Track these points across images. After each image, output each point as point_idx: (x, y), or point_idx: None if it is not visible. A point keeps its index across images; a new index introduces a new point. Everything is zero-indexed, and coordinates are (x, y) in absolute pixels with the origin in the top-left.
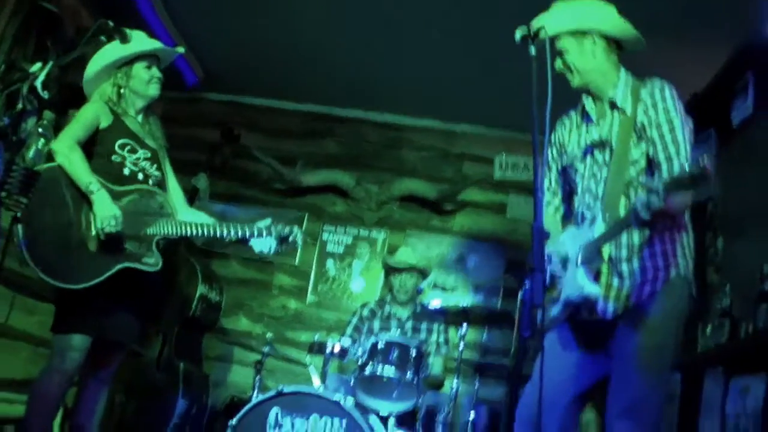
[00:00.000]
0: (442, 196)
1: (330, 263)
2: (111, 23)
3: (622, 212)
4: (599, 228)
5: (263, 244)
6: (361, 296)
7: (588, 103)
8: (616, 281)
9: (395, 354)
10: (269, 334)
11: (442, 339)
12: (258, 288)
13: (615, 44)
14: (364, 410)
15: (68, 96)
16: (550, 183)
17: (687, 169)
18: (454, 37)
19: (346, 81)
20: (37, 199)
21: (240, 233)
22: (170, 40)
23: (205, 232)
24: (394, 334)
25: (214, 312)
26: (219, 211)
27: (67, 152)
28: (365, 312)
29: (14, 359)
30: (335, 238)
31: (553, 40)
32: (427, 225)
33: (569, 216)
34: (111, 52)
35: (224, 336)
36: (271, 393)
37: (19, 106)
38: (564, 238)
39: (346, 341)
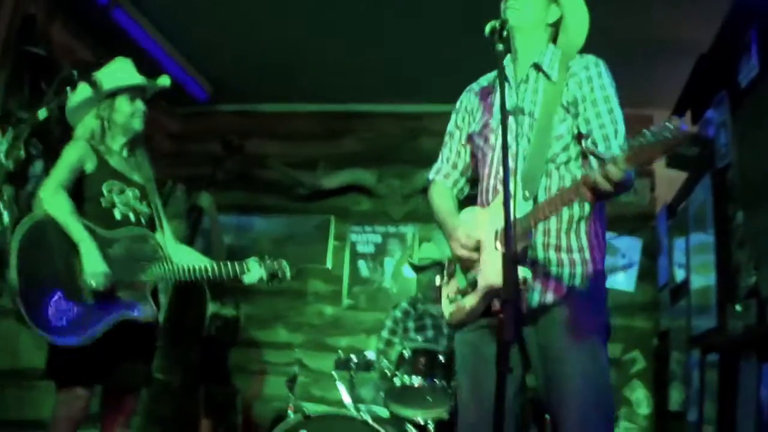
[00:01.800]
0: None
1: (362, 264)
2: (75, 73)
3: (541, 192)
4: (521, 206)
5: (253, 277)
6: (397, 294)
7: (509, 67)
8: (542, 269)
9: (423, 361)
10: (297, 352)
11: None
12: (293, 297)
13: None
14: (400, 420)
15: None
16: (450, 153)
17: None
18: (466, 16)
19: (357, 75)
20: (29, 249)
21: (231, 273)
22: (170, 61)
23: (197, 275)
24: (428, 334)
25: (232, 327)
26: (233, 226)
27: (52, 200)
28: (398, 313)
29: None
30: (364, 238)
31: None
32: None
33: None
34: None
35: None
36: (298, 418)
37: (22, 153)
38: (472, 217)
39: (370, 354)
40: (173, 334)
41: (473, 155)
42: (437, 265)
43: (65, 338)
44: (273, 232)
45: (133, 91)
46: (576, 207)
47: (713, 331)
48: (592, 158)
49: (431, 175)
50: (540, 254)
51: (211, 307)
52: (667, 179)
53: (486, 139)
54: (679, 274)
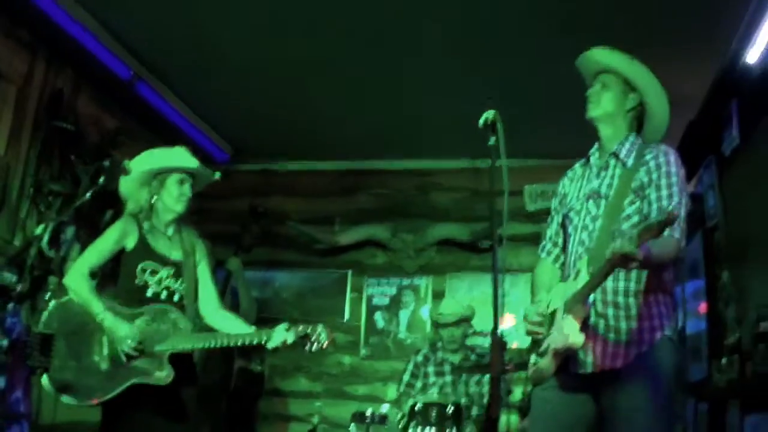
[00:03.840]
0: (478, 235)
1: (378, 315)
2: (107, 164)
3: None
4: (583, 279)
5: (275, 342)
6: (411, 344)
7: (594, 154)
8: (601, 335)
9: (434, 414)
10: (318, 404)
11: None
12: None
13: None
14: None
15: (104, 200)
16: (551, 232)
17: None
18: (471, 74)
19: (370, 134)
20: (66, 330)
21: (255, 341)
22: (191, 126)
23: (218, 344)
24: (447, 379)
25: (258, 381)
26: (256, 280)
27: (75, 287)
28: (419, 358)
29: None
30: (380, 290)
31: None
32: (467, 265)
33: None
34: (150, 159)
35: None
36: None
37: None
38: (554, 292)
39: (385, 407)
40: (202, 388)
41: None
42: (460, 321)
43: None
44: (294, 286)
45: (185, 175)
46: (633, 278)
47: (703, 381)
48: None
49: (540, 252)
50: (600, 323)
51: (238, 362)
52: None
53: (570, 221)
54: (679, 320)
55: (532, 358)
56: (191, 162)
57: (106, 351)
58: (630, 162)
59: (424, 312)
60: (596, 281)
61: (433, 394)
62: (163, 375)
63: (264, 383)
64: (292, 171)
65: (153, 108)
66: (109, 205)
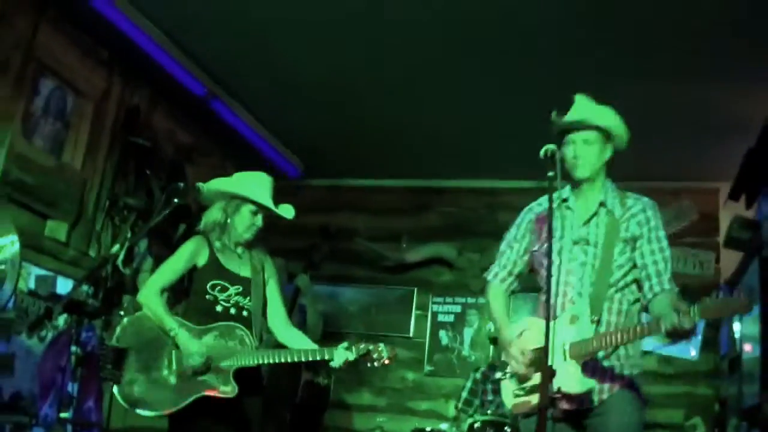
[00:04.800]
0: None
1: (442, 333)
2: (182, 185)
3: (605, 314)
4: (586, 329)
5: (338, 362)
6: (475, 362)
7: (572, 199)
8: (600, 376)
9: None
10: (379, 419)
11: None
12: None
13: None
14: None
15: (177, 214)
16: (508, 262)
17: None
18: (541, 98)
19: (439, 152)
20: (139, 344)
21: (318, 358)
22: (263, 143)
23: (280, 360)
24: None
25: (323, 394)
26: (324, 294)
27: (148, 302)
28: (478, 375)
29: None
30: (445, 309)
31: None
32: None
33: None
34: (234, 183)
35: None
36: None
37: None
38: (532, 327)
39: (444, 426)
40: (269, 398)
41: (532, 267)
42: None
43: (147, 411)
44: (361, 301)
45: (260, 207)
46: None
47: (755, 407)
48: (646, 282)
49: (489, 276)
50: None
51: (305, 375)
52: (730, 253)
53: (550, 262)
54: (737, 345)
55: (514, 390)
56: (266, 199)
57: (175, 366)
58: (617, 212)
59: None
60: (618, 342)
61: (494, 410)
62: (228, 389)
63: (329, 396)
64: (361, 187)
65: (226, 124)
66: (182, 219)
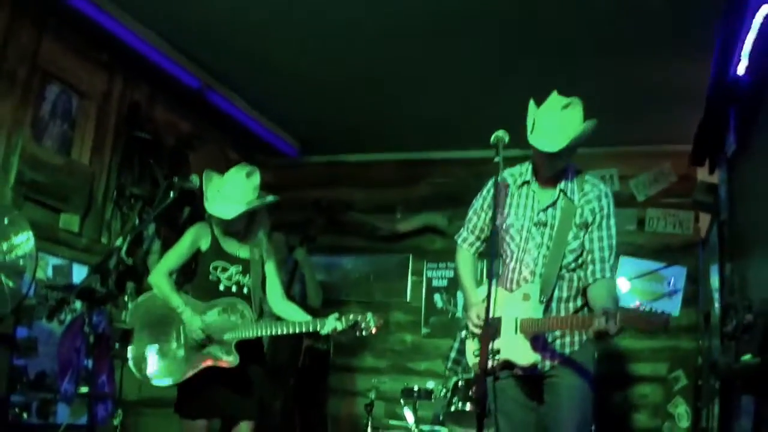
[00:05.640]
0: None
1: (437, 297)
2: (176, 179)
3: (556, 291)
4: (535, 308)
5: (327, 329)
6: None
7: (534, 184)
8: (550, 347)
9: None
10: (374, 380)
11: None
12: None
13: None
14: None
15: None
16: (475, 228)
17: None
18: (529, 72)
19: (430, 126)
20: (140, 321)
21: (310, 328)
22: (260, 126)
23: (277, 331)
24: None
25: (323, 359)
26: (325, 265)
27: (157, 282)
28: (463, 334)
29: None
30: (438, 274)
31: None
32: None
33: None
34: (208, 183)
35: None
36: None
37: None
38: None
39: (431, 384)
40: (273, 366)
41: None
42: None
43: (159, 380)
44: (359, 270)
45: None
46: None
47: (715, 362)
48: (590, 266)
49: (459, 240)
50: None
51: (306, 342)
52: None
53: (511, 237)
54: (709, 301)
55: (474, 350)
56: (226, 212)
57: (183, 339)
58: (575, 198)
59: None
60: (559, 326)
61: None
62: (231, 359)
63: (330, 360)
64: (356, 162)
65: (223, 112)
66: (187, 203)
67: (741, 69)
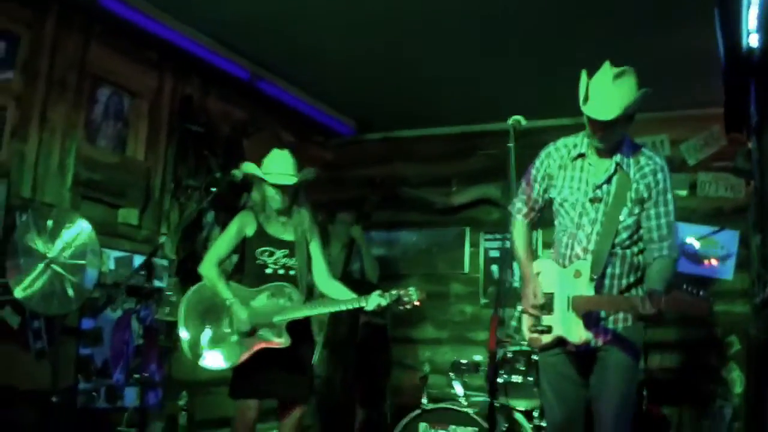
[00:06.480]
0: None
1: (494, 267)
2: (221, 175)
3: (609, 268)
4: (587, 285)
5: (371, 306)
6: None
7: (592, 157)
8: (602, 324)
9: (522, 361)
10: (427, 353)
11: None
12: (438, 299)
13: None
14: (507, 409)
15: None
16: (529, 199)
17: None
18: (573, 36)
19: (482, 98)
20: (193, 306)
21: (355, 306)
22: (315, 110)
23: (323, 311)
24: None
25: (381, 332)
26: (384, 240)
27: (207, 274)
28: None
29: None
30: (495, 244)
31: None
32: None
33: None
34: (254, 168)
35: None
36: (417, 412)
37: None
38: (547, 270)
39: (477, 357)
40: (333, 341)
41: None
42: None
43: (215, 365)
44: (417, 243)
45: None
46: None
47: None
48: (649, 244)
49: (513, 210)
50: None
51: (363, 318)
52: None
53: (566, 211)
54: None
55: (529, 326)
56: (278, 177)
57: (235, 326)
58: (631, 172)
59: None
60: (608, 307)
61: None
62: (282, 340)
63: (387, 334)
64: (411, 137)
65: (275, 99)
66: (244, 189)
67: (753, 40)
